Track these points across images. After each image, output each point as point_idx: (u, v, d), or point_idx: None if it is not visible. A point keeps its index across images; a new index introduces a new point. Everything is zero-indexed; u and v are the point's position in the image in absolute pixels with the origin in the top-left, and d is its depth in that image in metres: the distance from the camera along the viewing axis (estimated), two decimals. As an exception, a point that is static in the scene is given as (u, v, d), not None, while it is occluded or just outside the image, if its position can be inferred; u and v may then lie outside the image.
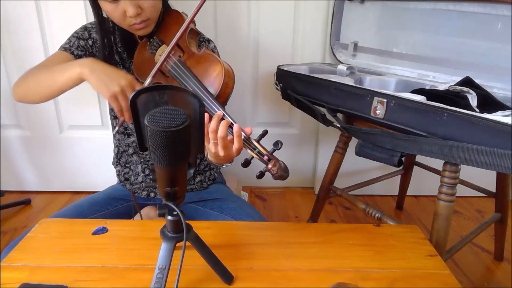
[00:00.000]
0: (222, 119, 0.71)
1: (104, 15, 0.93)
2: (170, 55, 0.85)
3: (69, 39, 0.99)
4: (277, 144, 0.71)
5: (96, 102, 1.70)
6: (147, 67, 0.89)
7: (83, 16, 1.55)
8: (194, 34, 0.93)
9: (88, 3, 1.58)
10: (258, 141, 0.72)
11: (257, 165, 0.70)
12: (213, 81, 0.80)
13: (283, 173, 0.70)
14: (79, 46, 0.97)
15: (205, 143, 0.72)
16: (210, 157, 0.79)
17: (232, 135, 0.70)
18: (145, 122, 0.50)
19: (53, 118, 1.72)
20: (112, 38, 0.98)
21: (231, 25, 1.64)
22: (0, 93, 1.68)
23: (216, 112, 0.74)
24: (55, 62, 0.95)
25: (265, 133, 0.73)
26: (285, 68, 1.26)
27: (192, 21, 0.85)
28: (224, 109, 0.75)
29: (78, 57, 0.97)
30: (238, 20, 1.63)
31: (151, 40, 0.92)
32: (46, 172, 1.86)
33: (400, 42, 1.29)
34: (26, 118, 1.74)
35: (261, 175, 0.71)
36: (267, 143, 0.72)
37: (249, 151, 0.72)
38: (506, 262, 1.44)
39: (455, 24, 1.14)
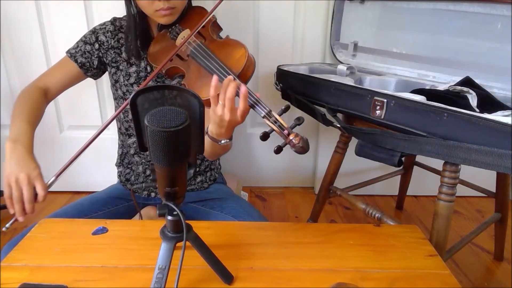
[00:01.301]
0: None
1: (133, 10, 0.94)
2: (194, 38, 0.86)
3: (77, 43, 1.01)
4: (299, 119, 0.71)
5: (96, 102, 1.70)
6: (164, 53, 0.90)
7: (83, 16, 1.55)
8: (217, 27, 0.96)
9: (88, 3, 1.59)
10: (279, 115, 0.72)
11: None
12: (236, 63, 0.81)
13: (304, 144, 0.69)
14: (85, 52, 1.00)
15: (212, 106, 0.73)
16: (213, 124, 0.77)
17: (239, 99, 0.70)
18: (145, 122, 0.50)
19: (53, 118, 1.72)
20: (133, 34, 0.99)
21: (231, 25, 1.64)
22: (0, 93, 1.68)
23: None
24: (57, 75, 1.00)
25: (287, 108, 0.72)
26: (285, 68, 1.26)
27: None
28: (238, 79, 0.75)
29: (81, 65, 1.00)
30: (238, 20, 1.63)
31: (173, 27, 0.94)
32: (46, 172, 1.85)
33: (400, 42, 1.29)
34: (26, 118, 1.74)
35: (279, 149, 0.70)
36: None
37: (270, 123, 0.71)
38: (506, 262, 1.44)
39: (455, 24, 1.14)
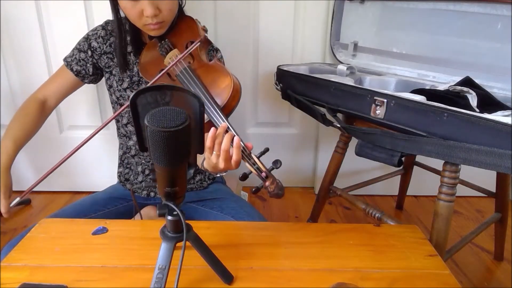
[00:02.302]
0: (226, 131, 0.72)
1: (122, 15, 0.94)
2: (181, 60, 0.86)
3: (72, 50, 1.02)
4: (276, 163, 0.72)
5: (96, 102, 1.70)
6: (153, 67, 0.90)
7: (83, 16, 1.55)
8: (206, 43, 0.95)
9: (88, 3, 1.59)
10: (258, 157, 0.73)
11: (255, 179, 0.72)
12: (221, 92, 0.81)
13: (278, 191, 0.71)
14: (79, 60, 1.01)
15: (206, 153, 0.73)
16: (207, 166, 0.79)
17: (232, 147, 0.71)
18: (145, 122, 0.50)
19: (53, 118, 1.72)
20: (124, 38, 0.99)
21: (231, 25, 1.64)
22: (0, 93, 1.68)
23: (221, 123, 0.75)
24: (55, 84, 1.02)
25: (266, 150, 0.73)
26: (285, 68, 1.26)
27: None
28: (228, 121, 0.75)
29: (77, 73, 1.01)
30: (238, 20, 1.63)
31: (162, 42, 0.93)
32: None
33: (400, 42, 1.29)
34: (26, 118, 1.74)
35: (256, 190, 0.72)
36: (266, 161, 0.73)
37: (248, 165, 0.72)
38: (506, 262, 1.44)
39: (455, 24, 1.14)
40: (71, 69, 1.00)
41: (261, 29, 1.65)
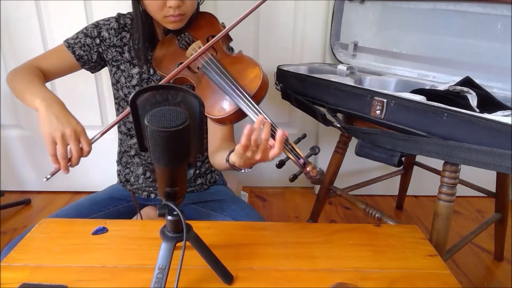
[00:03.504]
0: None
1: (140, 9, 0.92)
2: (205, 51, 0.85)
3: (77, 34, 0.98)
4: (314, 149, 0.70)
5: (96, 102, 1.70)
6: (170, 61, 0.89)
7: (83, 16, 1.55)
8: (227, 38, 0.94)
9: (88, 3, 1.59)
10: (296, 143, 0.71)
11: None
12: (250, 83, 0.79)
13: (321, 176, 0.69)
14: (84, 45, 0.96)
15: (240, 151, 0.69)
16: (238, 159, 0.73)
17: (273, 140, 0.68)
18: (145, 122, 0.50)
19: (53, 118, 1.72)
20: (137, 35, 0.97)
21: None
22: (0, 93, 1.68)
23: (257, 115, 0.73)
24: (53, 60, 0.96)
25: (303, 136, 0.72)
26: (285, 68, 1.26)
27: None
28: (263, 112, 0.74)
29: (79, 57, 0.97)
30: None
31: (182, 35, 0.92)
32: (46, 172, 1.85)
33: (400, 42, 1.29)
34: (26, 118, 1.74)
35: (294, 177, 0.70)
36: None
37: (286, 152, 0.70)
38: (506, 262, 1.44)
39: (455, 24, 1.14)
40: (73, 52, 0.96)
41: (261, 29, 1.65)
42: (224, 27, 0.93)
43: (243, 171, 0.79)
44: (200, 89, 0.85)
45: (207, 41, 0.88)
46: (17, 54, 1.62)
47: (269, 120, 0.70)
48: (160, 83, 0.82)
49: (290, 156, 0.70)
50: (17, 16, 1.56)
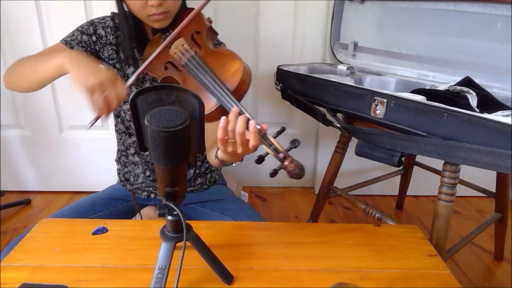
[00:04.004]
0: (239, 115, 0.70)
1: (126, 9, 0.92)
2: (188, 48, 0.85)
3: (72, 32, 0.97)
4: (294, 142, 0.69)
5: (96, 102, 1.70)
6: (160, 60, 0.88)
7: (83, 16, 1.55)
8: (212, 32, 0.93)
9: (88, 3, 1.59)
10: (274, 138, 0.70)
11: (270, 163, 0.69)
12: (231, 77, 0.79)
13: (299, 171, 0.67)
14: (81, 42, 0.96)
15: (220, 145, 0.71)
16: (222, 156, 0.77)
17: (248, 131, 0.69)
18: (145, 122, 0.50)
19: (53, 118, 1.72)
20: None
21: (231, 25, 1.64)
22: (0, 93, 1.68)
23: (233, 106, 0.73)
24: (49, 53, 0.93)
25: (282, 130, 0.71)
26: (285, 68, 1.26)
27: (205, 5, 0.86)
28: (240, 105, 0.74)
29: None
30: (238, 20, 1.63)
31: (167, 34, 0.92)
32: (46, 172, 1.86)
33: (400, 42, 1.29)
34: (26, 118, 1.74)
35: (274, 173, 0.69)
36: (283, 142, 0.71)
37: (265, 147, 0.70)
38: (506, 262, 1.44)
39: (455, 24, 1.14)
40: (72, 48, 0.95)
41: (261, 29, 1.65)
42: (210, 21, 0.93)
43: (234, 164, 0.81)
44: (184, 86, 0.85)
45: (192, 37, 0.88)
46: (17, 54, 1.61)
47: (246, 113, 0.71)
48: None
49: (269, 150, 0.69)
50: (17, 16, 1.56)
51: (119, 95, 0.75)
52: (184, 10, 0.96)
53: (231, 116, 0.69)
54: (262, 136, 0.69)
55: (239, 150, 0.71)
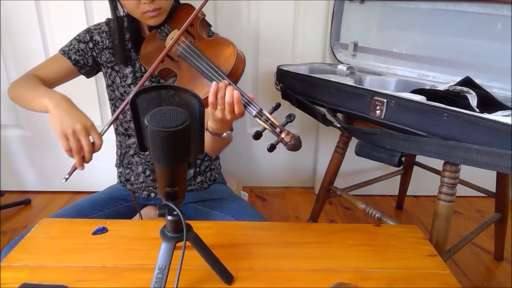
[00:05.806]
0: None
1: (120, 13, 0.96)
2: (183, 39, 0.87)
3: (70, 41, 1.01)
4: (290, 117, 0.72)
5: (96, 102, 1.70)
6: (155, 54, 0.90)
7: (83, 17, 1.55)
8: (205, 24, 0.96)
9: (88, 3, 1.59)
10: (270, 113, 0.73)
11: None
12: (225, 61, 0.82)
13: (296, 142, 0.70)
14: (78, 50, 1.00)
15: (211, 109, 0.77)
16: (212, 124, 0.82)
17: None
18: (145, 122, 0.50)
19: (53, 118, 1.72)
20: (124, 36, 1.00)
21: (231, 25, 1.64)
22: (0, 93, 1.68)
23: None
24: (50, 69, 0.99)
25: (277, 105, 0.74)
26: (285, 68, 1.26)
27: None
28: (237, 87, 0.77)
29: (75, 62, 1.00)
30: (238, 20, 1.63)
31: (162, 28, 0.94)
32: (46, 172, 1.86)
33: (400, 42, 1.29)
34: (26, 118, 1.74)
35: (272, 147, 0.71)
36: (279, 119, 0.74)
37: (261, 122, 0.72)
38: (506, 262, 1.44)
39: (455, 24, 1.14)
40: (69, 58, 0.99)
41: (261, 29, 1.65)
42: (204, 15, 0.95)
43: (224, 134, 0.85)
44: (181, 75, 0.88)
45: (187, 30, 0.90)
46: (17, 54, 1.62)
47: (234, 85, 0.76)
48: (144, 76, 0.84)
49: (266, 126, 0.72)
50: (17, 16, 1.56)
51: (95, 143, 0.79)
52: (178, 5, 0.97)
53: (221, 84, 0.75)
54: (258, 112, 0.74)
55: (228, 117, 0.76)
